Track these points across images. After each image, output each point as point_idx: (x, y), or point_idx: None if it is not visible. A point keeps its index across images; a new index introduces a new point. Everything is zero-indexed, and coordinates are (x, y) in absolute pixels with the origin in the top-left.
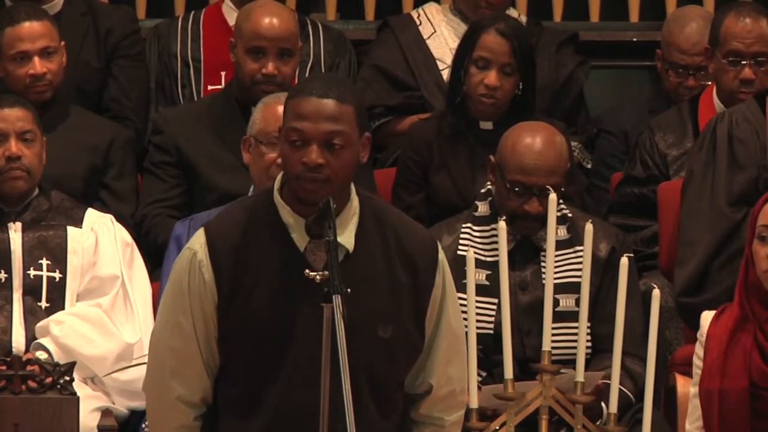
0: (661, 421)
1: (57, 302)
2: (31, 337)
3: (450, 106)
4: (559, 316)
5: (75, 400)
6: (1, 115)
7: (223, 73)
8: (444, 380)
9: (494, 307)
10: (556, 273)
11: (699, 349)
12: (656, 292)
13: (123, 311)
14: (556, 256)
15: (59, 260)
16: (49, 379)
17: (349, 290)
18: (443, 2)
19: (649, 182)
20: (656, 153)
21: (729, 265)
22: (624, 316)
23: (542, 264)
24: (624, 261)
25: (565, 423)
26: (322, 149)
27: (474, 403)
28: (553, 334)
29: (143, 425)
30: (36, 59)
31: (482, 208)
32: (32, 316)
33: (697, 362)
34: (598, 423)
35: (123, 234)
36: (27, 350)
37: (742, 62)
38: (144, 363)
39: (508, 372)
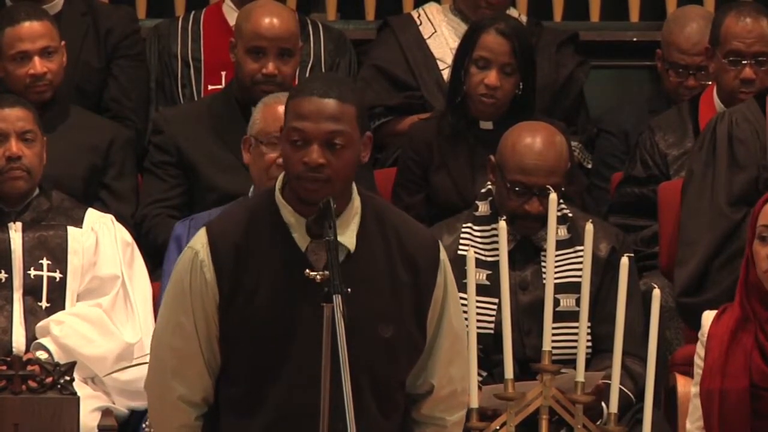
0: (662, 421)
1: (57, 302)
2: (31, 337)
3: (450, 106)
4: (559, 316)
5: (75, 400)
6: (1, 115)
7: (223, 73)
8: (445, 380)
9: (494, 306)
10: (556, 273)
11: (700, 349)
12: (656, 292)
13: (123, 311)
14: (557, 256)
15: (59, 260)
16: (49, 379)
17: (349, 290)
18: (443, 2)
19: (649, 182)
20: (656, 153)
21: (729, 265)
22: (624, 316)
23: (542, 264)
24: (624, 261)
25: (565, 423)
26: (323, 149)
27: (474, 403)
28: (554, 334)
29: (143, 425)
30: (36, 59)
31: (482, 208)
32: (32, 316)
33: (698, 362)
34: (598, 423)
35: (123, 234)
36: (27, 350)
37: (743, 62)
38: (144, 363)
39: (509, 372)
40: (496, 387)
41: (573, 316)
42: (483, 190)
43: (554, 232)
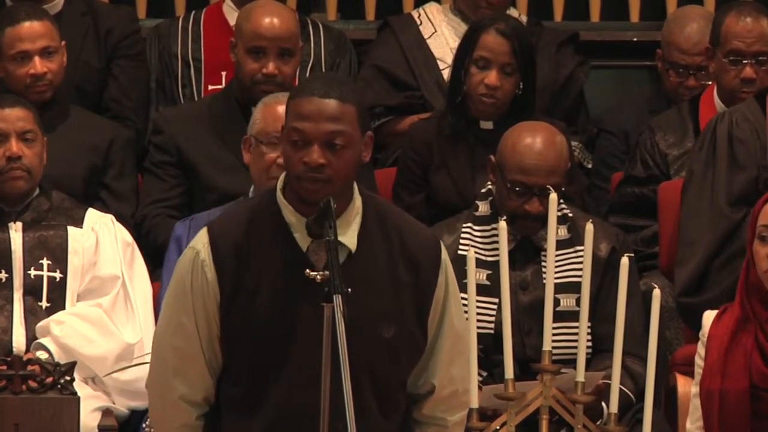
0: (662, 421)
1: (57, 302)
2: (31, 337)
3: (450, 106)
4: (559, 316)
5: (75, 400)
6: (1, 115)
7: (223, 73)
8: (447, 380)
9: (495, 306)
10: (556, 273)
11: (701, 349)
12: (656, 292)
13: (123, 311)
14: (557, 256)
15: (60, 260)
16: (49, 379)
17: (349, 290)
18: (444, 2)
19: (649, 182)
20: (657, 153)
21: (729, 265)
22: (624, 316)
23: (543, 264)
24: (624, 261)
25: (565, 423)
26: (323, 149)
27: (474, 403)
28: (554, 334)
29: (144, 425)
30: (36, 59)
31: (483, 207)
32: (33, 315)
33: (699, 362)
34: (598, 423)
35: (123, 234)
36: (27, 350)
37: (743, 61)
38: (144, 363)
39: (509, 372)
40: (497, 387)
41: (573, 316)
42: (483, 190)
43: (554, 232)
